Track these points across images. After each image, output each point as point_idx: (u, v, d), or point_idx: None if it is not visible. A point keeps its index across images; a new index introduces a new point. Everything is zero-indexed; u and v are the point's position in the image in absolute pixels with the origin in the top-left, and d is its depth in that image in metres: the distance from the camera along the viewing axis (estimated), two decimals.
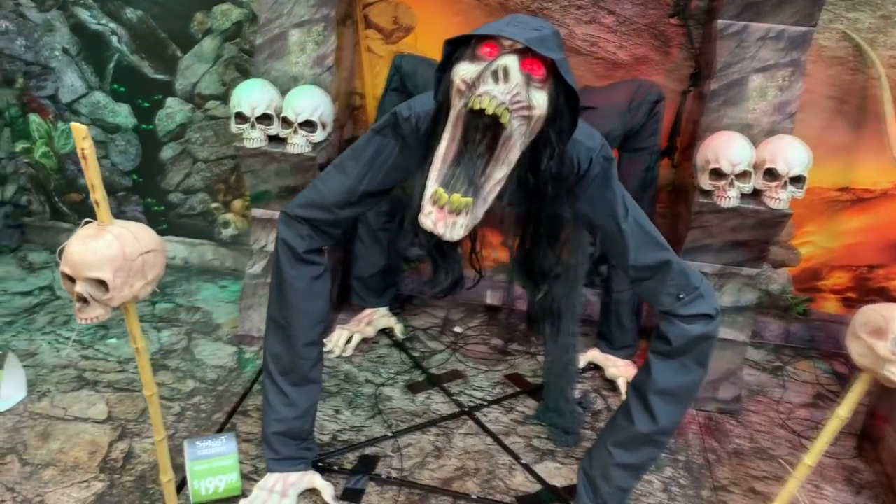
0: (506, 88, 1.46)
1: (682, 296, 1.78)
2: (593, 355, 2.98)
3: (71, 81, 3.29)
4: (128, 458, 2.34)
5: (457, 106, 1.53)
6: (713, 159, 2.48)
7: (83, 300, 1.64)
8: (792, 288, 3.22)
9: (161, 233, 3.45)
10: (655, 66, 2.91)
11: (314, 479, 2.21)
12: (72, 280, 1.64)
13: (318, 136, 2.68)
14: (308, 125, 2.65)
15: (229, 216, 3.46)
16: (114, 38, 3.19)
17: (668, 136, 2.87)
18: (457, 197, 1.50)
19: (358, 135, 3.21)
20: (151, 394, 1.91)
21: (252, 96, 2.64)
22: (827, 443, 1.95)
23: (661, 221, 3.08)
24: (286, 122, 2.66)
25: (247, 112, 2.63)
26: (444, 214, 1.51)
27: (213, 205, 3.45)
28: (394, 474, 2.35)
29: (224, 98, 3.22)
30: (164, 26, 3.13)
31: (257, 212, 2.94)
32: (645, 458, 1.99)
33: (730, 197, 2.48)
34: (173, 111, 3.28)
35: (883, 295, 3.16)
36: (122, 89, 3.27)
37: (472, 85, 1.48)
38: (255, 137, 2.66)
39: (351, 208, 1.95)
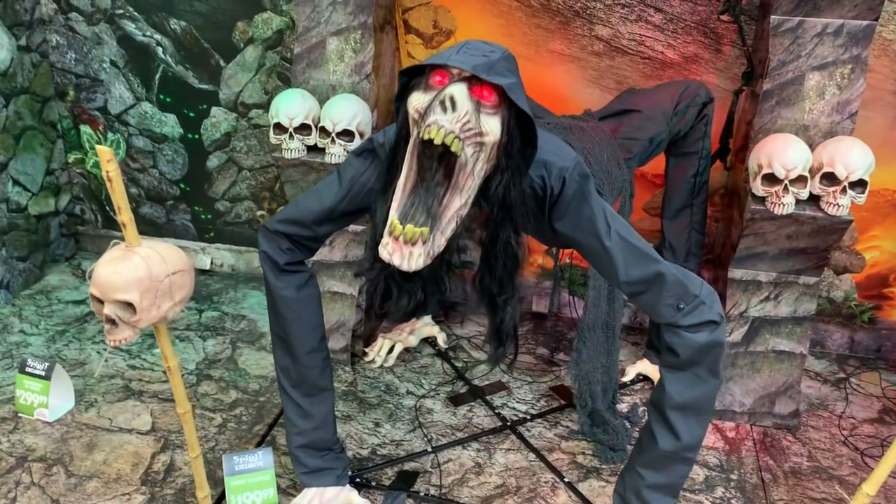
0: (454, 117, 1.46)
1: (681, 305, 1.69)
2: (643, 366, 2.88)
3: (119, 93, 3.34)
4: (169, 471, 2.35)
5: (413, 135, 1.54)
6: (766, 164, 2.35)
7: (112, 322, 1.64)
8: (856, 295, 3.05)
9: (209, 241, 3.53)
10: (706, 64, 2.78)
11: (351, 497, 2.18)
12: (101, 302, 1.64)
13: (356, 145, 2.65)
14: (346, 134, 2.62)
15: None
16: (159, 50, 3.22)
17: (721, 138, 2.74)
18: (410, 228, 1.50)
19: None
20: (185, 412, 1.91)
21: (290, 107, 2.63)
22: (888, 470, 1.82)
23: (715, 226, 2.96)
24: (324, 131, 2.64)
25: (285, 123, 2.62)
26: (399, 245, 1.51)
27: (259, 213, 3.46)
28: (432, 491, 2.31)
29: (267, 107, 3.22)
30: (206, 36, 3.15)
31: None
32: (676, 476, 1.89)
33: (784, 203, 2.35)
34: (218, 120, 3.30)
35: None
36: (169, 100, 3.31)
37: (424, 114, 1.49)
38: (293, 148, 2.65)
39: (329, 225, 1.97)
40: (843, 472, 2.48)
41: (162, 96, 3.31)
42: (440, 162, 1.52)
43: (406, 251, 1.51)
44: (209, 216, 3.52)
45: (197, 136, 3.36)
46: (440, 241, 1.56)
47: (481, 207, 1.63)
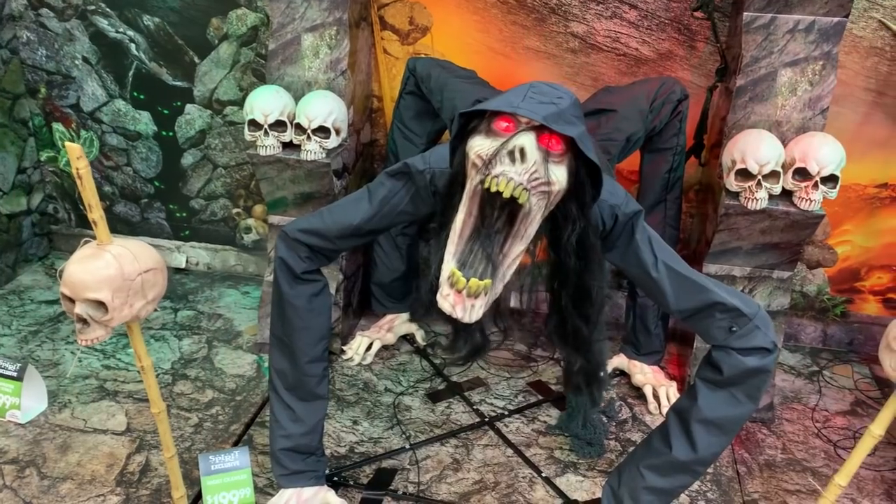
0: (523, 168, 1.44)
1: (734, 328, 1.69)
2: (619, 361, 2.89)
3: (92, 90, 3.30)
4: (144, 472, 2.33)
5: (473, 180, 1.51)
6: (739, 159, 2.37)
7: (83, 321, 1.62)
8: (829, 289, 3.08)
9: (184, 239, 3.50)
10: (681, 61, 2.80)
11: (328, 497, 2.17)
12: (72, 301, 1.62)
13: (332, 142, 2.64)
14: (321, 131, 2.61)
15: (251, 221, 3.45)
16: (132, 46, 3.18)
17: (695, 134, 2.77)
18: (475, 281, 1.47)
19: (376, 138, 3.16)
20: (159, 411, 1.90)
21: (265, 103, 2.61)
22: (859, 462, 1.85)
23: (690, 222, 2.98)
24: (299, 128, 2.62)
25: (260, 119, 2.60)
26: (461, 298, 1.49)
27: (235, 210, 3.44)
28: (410, 489, 2.31)
29: (242, 104, 3.18)
30: (180, 33, 3.12)
31: (274, 219, 2.92)
32: (678, 484, 1.91)
33: (758, 199, 2.37)
34: (192, 118, 3.27)
35: None
36: (142, 97, 3.28)
37: (489, 162, 1.46)
38: (268, 145, 2.63)
39: (353, 240, 1.96)
40: (817, 464, 2.51)
41: (135, 93, 3.27)
42: (502, 210, 1.50)
43: (468, 304, 1.49)
44: (184, 214, 3.49)
45: (171, 134, 3.32)
46: (499, 289, 1.54)
47: (553, 258, 1.63)
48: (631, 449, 2.50)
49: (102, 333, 1.64)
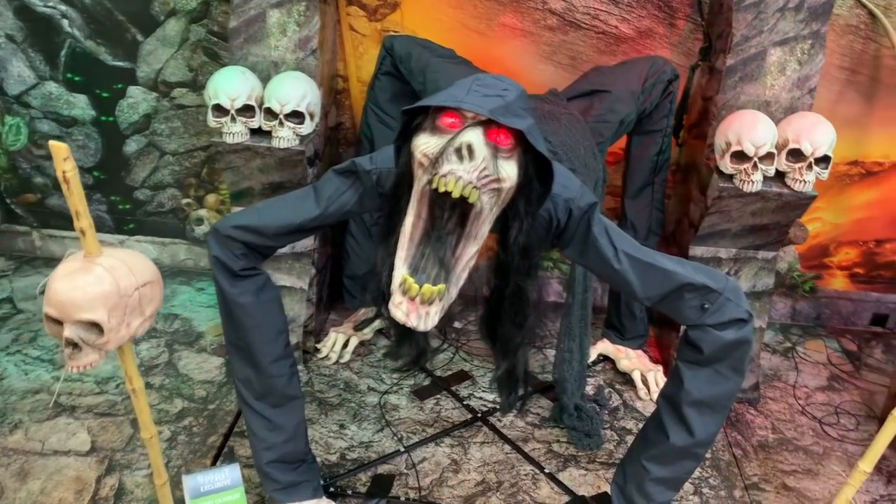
0: (472, 166, 1.36)
1: (706, 305, 1.63)
2: (604, 347, 2.85)
3: (18, 71, 2.97)
4: (119, 496, 2.12)
5: (420, 180, 1.43)
6: (735, 141, 2.33)
7: (73, 345, 1.42)
8: (799, 266, 3.12)
9: (129, 233, 3.24)
10: (660, 39, 2.74)
11: None
12: (59, 323, 1.41)
13: (307, 127, 2.45)
14: (295, 116, 2.41)
15: (203, 212, 3.21)
16: (65, 22, 2.87)
17: (676, 114, 2.71)
18: (428, 287, 1.41)
19: (342, 121, 2.98)
20: (151, 436, 1.71)
21: (231, 86, 2.39)
22: (884, 445, 1.83)
23: (666, 203, 2.94)
24: (270, 113, 2.42)
25: (226, 104, 2.38)
26: (415, 306, 1.42)
27: (185, 201, 3.19)
28: (412, 495, 2.19)
29: (192, 85, 2.95)
30: (121, 8, 2.83)
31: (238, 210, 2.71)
32: (682, 471, 1.86)
33: (753, 181, 2.34)
34: (136, 101, 2.99)
35: (892, 269, 3.09)
36: (78, 79, 2.97)
37: (435, 161, 1.38)
38: (236, 132, 2.42)
39: (293, 237, 1.83)
40: (807, 443, 2.53)
41: (70, 75, 2.96)
42: (453, 210, 1.42)
43: (423, 311, 1.42)
44: (128, 206, 3.21)
45: (112, 119, 3.04)
46: (453, 293, 1.46)
47: (498, 256, 1.54)
48: (627, 437, 2.48)
49: (96, 358, 1.44)
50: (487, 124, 1.39)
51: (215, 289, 1.81)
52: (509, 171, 1.41)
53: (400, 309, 1.42)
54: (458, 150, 1.35)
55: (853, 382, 2.87)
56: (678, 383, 1.72)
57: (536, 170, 1.47)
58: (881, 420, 2.62)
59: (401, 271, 1.43)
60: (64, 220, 3.21)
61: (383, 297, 1.54)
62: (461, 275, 1.47)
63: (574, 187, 1.68)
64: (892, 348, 3.09)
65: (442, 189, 1.36)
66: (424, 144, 1.41)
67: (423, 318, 1.42)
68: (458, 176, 1.35)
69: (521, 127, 1.38)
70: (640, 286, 1.66)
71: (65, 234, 3.21)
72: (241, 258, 1.76)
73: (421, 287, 1.40)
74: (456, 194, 1.36)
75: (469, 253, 1.46)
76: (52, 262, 3.17)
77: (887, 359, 3.03)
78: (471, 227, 1.45)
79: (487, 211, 1.43)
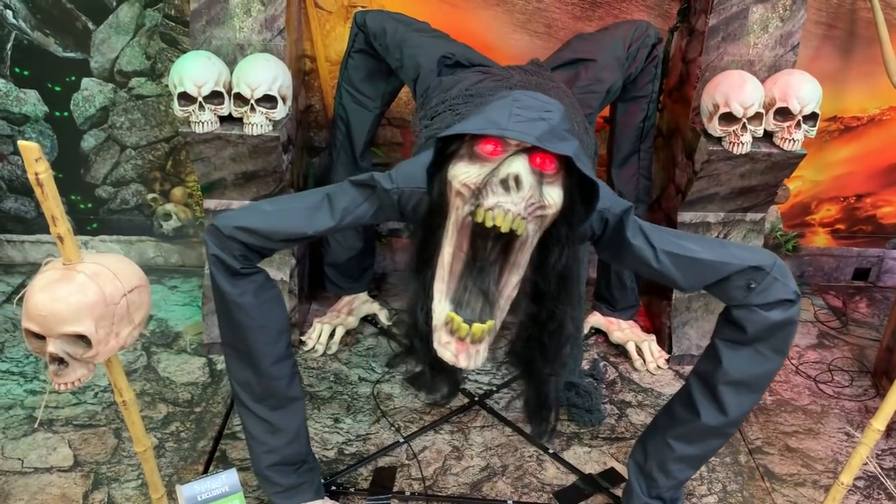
0: (519, 197, 1.29)
1: (752, 285, 1.58)
2: (595, 320, 2.80)
3: None
4: None
5: (459, 210, 1.35)
6: (722, 103, 2.28)
7: (59, 361, 1.31)
8: (781, 225, 3.11)
9: (92, 232, 3.09)
10: (637, 2, 2.67)
11: None
12: (41, 338, 1.30)
13: (280, 111, 2.34)
14: (267, 100, 2.30)
15: (170, 207, 3.06)
16: (8, 14, 2.69)
17: None
18: (478, 327, 1.36)
19: (312, 103, 2.86)
20: (145, 449, 1.61)
21: (196, 72, 2.26)
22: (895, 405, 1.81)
23: None
24: (240, 98, 2.30)
25: (192, 92, 2.25)
26: (465, 346, 1.36)
27: (150, 196, 3.04)
28: (416, 486, 2.12)
29: (150, 74, 2.79)
30: None
31: (210, 203, 2.58)
32: (708, 449, 1.82)
33: (743, 142, 2.30)
34: (91, 94, 2.83)
35: (872, 223, 3.10)
36: (26, 73, 2.79)
37: (477, 192, 1.30)
38: (205, 120, 2.29)
39: (297, 243, 1.78)
40: (804, 402, 2.53)
41: (17, 69, 2.78)
42: (496, 240, 1.35)
43: (472, 351, 1.36)
44: (89, 205, 3.05)
45: (66, 114, 2.87)
46: (498, 327, 1.40)
47: (536, 283, 1.45)
48: (627, 410, 2.44)
49: (85, 373, 1.34)
50: (531, 150, 1.32)
51: (213, 289, 1.70)
52: (555, 196, 1.34)
53: (448, 349, 1.37)
54: (505, 182, 1.28)
55: (842, 338, 2.88)
56: (715, 362, 1.67)
57: (579, 194, 1.40)
58: (874, 374, 2.64)
59: (444, 307, 1.37)
60: (22, 223, 3.03)
61: (416, 330, 1.49)
62: (505, 306, 1.41)
63: (608, 195, 1.61)
64: (876, 302, 3.11)
65: (490, 224, 1.30)
66: (464, 174, 1.33)
67: (472, 358, 1.38)
68: (505, 210, 1.28)
69: (568, 153, 1.30)
70: (684, 280, 1.62)
71: (24, 238, 3.04)
72: (240, 259, 1.66)
73: (471, 327, 1.35)
74: (505, 229, 1.30)
75: (512, 283, 1.40)
76: (10, 268, 3.01)
77: (872, 312, 3.04)
78: (515, 257, 1.39)
79: (531, 238, 1.37)
